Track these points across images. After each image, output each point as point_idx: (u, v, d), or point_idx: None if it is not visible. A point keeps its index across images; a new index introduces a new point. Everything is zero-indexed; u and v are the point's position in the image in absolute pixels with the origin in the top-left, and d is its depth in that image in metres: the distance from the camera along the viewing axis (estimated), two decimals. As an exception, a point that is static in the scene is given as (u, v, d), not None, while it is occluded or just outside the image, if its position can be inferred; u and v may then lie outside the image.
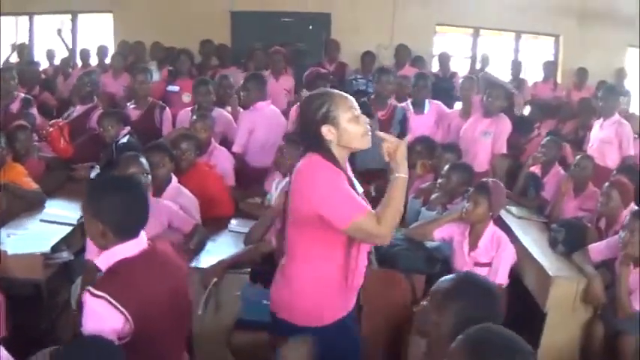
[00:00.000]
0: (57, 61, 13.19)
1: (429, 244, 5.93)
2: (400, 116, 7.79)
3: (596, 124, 8.63)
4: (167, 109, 8.45)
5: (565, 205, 7.36)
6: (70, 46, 13.39)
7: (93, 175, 7.04)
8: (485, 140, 7.88)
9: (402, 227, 5.79)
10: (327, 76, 8.34)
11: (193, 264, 5.58)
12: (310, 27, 14.06)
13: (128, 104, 8.51)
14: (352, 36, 13.40)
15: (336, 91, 3.96)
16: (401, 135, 7.25)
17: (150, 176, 5.69)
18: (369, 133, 3.84)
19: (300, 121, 3.96)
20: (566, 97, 12.49)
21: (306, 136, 3.90)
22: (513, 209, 7.41)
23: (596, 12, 14.04)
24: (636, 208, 6.56)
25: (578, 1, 14.19)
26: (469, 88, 8.64)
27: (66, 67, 12.64)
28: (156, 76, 10.35)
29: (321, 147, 3.82)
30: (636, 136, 10.54)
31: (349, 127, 3.79)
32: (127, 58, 12.19)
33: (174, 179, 6.21)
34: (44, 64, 13.23)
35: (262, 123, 7.79)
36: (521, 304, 6.07)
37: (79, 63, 12.79)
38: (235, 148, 7.78)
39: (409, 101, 8.53)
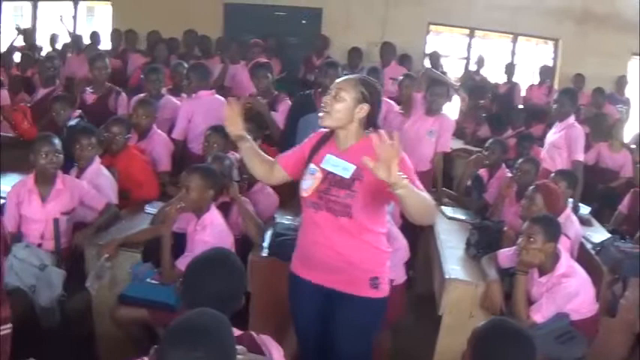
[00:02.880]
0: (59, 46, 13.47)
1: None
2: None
3: (553, 128, 8.43)
4: (123, 94, 8.64)
5: (506, 209, 7.24)
6: (72, 32, 13.62)
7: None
8: (430, 139, 7.85)
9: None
10: (267, 65, 8.47)
11: (97, 240, 5.80)
12: (303, 21, 14.24)
13: (87, 89, 8.64)
14: (344, 32, 13.56)
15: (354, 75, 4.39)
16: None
17: (61, 156, 5.93)
18: (321, 113, 4.16)
19: None
20: (561, 102, 12.31)
21: None
22: (448, 209, 7.40)
23: (598, 17, 13.93)
24: (571, 214, 6.52)
25: (580, 4, 14.07)
26: (409, 85, 8.52)
27: (68, 50, 12.86)
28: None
29: None
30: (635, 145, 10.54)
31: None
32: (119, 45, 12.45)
33: (97, 160, 6.46)
34: (47, 49, 13.42)
35: (201, 111, 7.92)
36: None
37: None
38: (174, 135, 7.98)
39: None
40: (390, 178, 3.44)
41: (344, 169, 4.15)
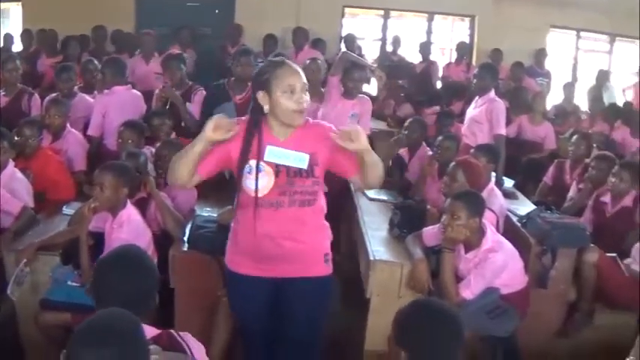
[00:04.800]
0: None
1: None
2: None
3: (473, 103, 8.40)
4: (35, 95, 8.49)
5: (429, 187, 7.28)
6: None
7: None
8: (353, 122, 7.68)
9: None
10: (179, 56, 8.47)
11: (15, 246, 5.68)
12: (216, 11, 14.13)
13: (-1, 91, 8.44)
14: (258, 20, 13.35)
15: (290, 63, 4.22)
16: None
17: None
18: (301, 112, 4.08)
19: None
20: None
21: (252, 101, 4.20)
22: (371, 191, 7.33)
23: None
24: (494, 188, 6.52)
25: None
26: (315, 70, 8.41)
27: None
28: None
29: (255, 110, 4.15)
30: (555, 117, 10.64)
31: (281, 100, 4.02)
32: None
33: (11, 164, 6.31)
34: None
35: (116, 107, 7.79)
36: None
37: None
38: (89, 131, 7.88)
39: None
40: (361, 146, 3.90)
41: (298, 159, 4.14)
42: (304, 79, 4.13)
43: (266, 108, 4.08)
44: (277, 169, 4.12)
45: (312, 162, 4.16)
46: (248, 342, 4.77)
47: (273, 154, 4.12)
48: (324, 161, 4.19)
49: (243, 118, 4.26)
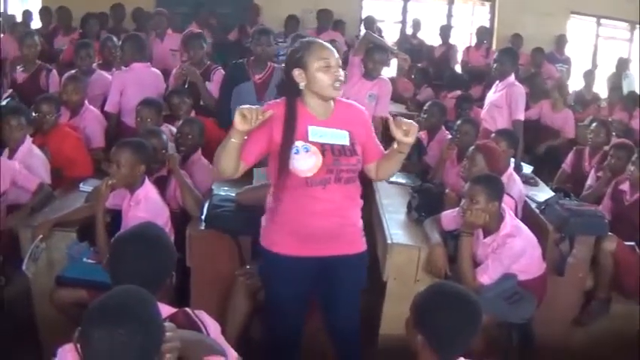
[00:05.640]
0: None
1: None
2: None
3: (493, 87, 8.32)
4: (54, 71, 8.49)
5: (447, 171, 7.20)
6: (3, 11, 13.35)
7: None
8: (370, 103, 7.66)
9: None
10: (200, 35, 8.39)
11: (31, 222, 5.65)
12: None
13: (18, 67, 8.50)
14: (276, 0, 13.33)
15: (319, 40, 4.32)
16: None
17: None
18: (338, 84, 4.11)
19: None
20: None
21: (285, 81, 4.25)
22: (389, 174, 7.32)
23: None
24: (513, 173, 6.48)
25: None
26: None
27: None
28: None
29: (292, 91, 4.17)
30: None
31: (318, 74, 4.06)
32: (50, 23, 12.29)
33: (28, 140, 6.29)
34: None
35: (134, 83, 7.74)
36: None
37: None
38: (107, 108, 7.84)
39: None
40: (410, 142, 4.06)
41: (340, 136, 4.23)
42: (337, 55, 4.16)
43: (302, 85, 4.11)
44: (322, 148, 4.14)
45: (352, 140, 4.25)
46: (289, 323, 4.62)
47: (317, 133, 4.18)
48: (360, 141, 4.29)
49: (278, 100, 4.30)
